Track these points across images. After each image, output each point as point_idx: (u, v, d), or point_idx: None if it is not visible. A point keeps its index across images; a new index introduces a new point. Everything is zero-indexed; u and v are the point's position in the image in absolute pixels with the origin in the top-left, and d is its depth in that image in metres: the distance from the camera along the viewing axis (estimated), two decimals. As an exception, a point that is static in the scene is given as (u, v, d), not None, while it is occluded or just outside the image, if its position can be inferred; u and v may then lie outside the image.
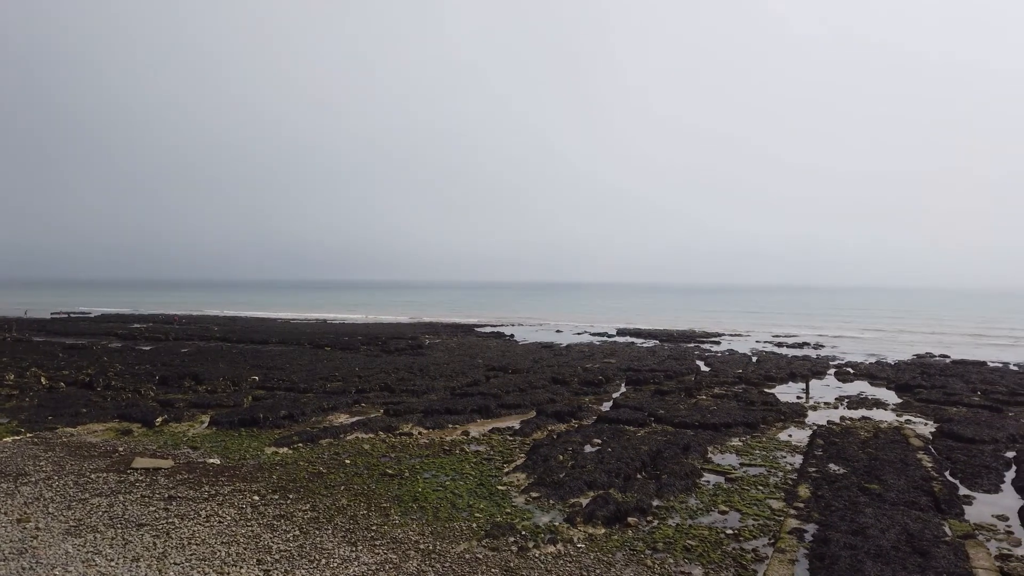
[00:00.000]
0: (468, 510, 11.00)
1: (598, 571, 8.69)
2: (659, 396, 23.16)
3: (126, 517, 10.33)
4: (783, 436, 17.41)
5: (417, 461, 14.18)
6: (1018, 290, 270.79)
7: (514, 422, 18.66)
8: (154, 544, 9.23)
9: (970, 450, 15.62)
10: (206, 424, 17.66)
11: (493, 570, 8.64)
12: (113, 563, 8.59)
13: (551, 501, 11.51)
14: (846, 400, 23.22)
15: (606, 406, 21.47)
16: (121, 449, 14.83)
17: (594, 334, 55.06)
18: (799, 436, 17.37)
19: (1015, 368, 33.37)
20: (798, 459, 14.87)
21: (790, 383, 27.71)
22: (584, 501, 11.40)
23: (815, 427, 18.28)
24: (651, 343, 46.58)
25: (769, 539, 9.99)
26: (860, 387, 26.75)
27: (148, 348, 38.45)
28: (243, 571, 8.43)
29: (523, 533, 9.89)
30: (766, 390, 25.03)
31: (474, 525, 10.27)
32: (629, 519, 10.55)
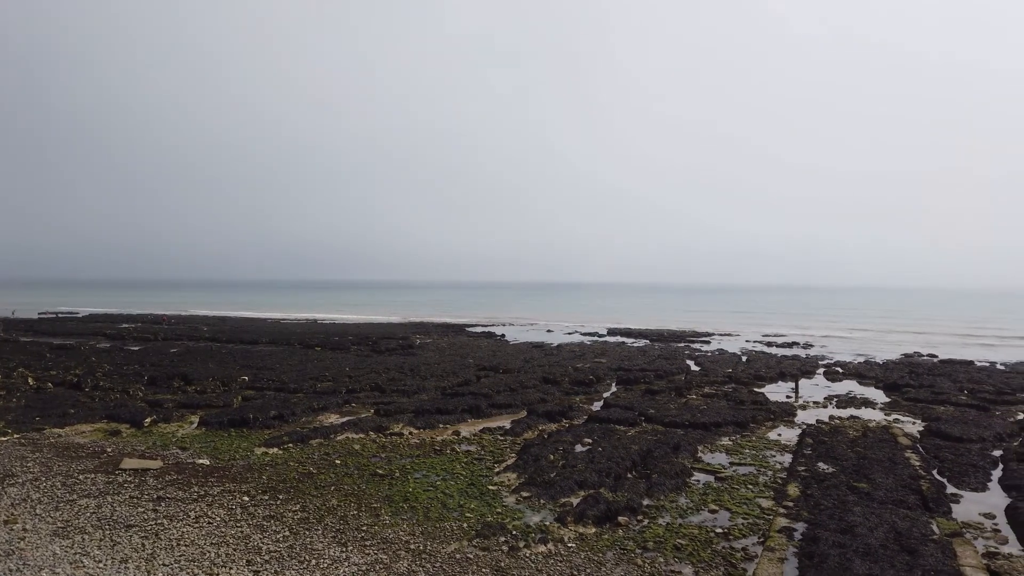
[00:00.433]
0: (459, 510, 10.99)
1: (589, 570, 8.70)
2: (649, 396, 23.22)
3: (114, 518, 10.27)
4: (772, 435, 17.49)
5: (408, 461, 14.16)
6: (1016, 290, 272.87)
7: (505, 422, 18.66)
8: (143, 545, 9.18)
9: (957, 449, 15.74)
10: (195, 425, 17.57)
11: (484, 570, 8.64)
12: (101, 564, 8.53)
13: (542, 501, 11.51)
14: (835, 399, 23.34)
15: (597, 406, 21.50)
16: (109, 450, 14.73)
17: (585, 334, 55.13)
18: (788, 435, 17.45)
19: (1002, 367, 33.66)
20: (787, 458, 14.94)
21: (779, 382, 27.83)
22: (575, 501, 11.42)
23: (804, 426, 18.36)
24: (642, 343, 46.69)
25: (759, 538, 10.04)
26: (849, 386, 26.89)
27: (137, 348, 38.22)
28: (232, 572, 8.40)
29: (514, 533, 9.90)
30: (756, 389, 25.12)
31: (465, 525, 10.26)
32: (619, 518, 10.57)
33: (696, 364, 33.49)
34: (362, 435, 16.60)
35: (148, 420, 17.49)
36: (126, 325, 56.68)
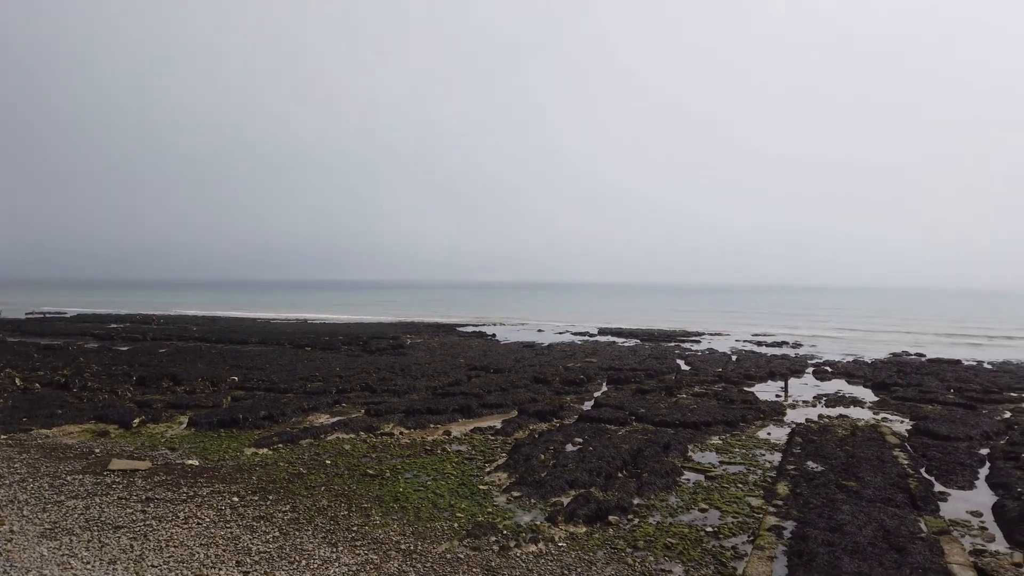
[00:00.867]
0: (449, 510, 10.98)
1: (579, 570, 8.72)
2: (640, 395, 23.27)
3: (102, 519, 10.21)
4: (762, 434, 17.56)
5: (398, 461, 14.14)
6: (1011, 291, 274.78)
7: (496, 422, 18.67)
8: (131, 546, 9.13)
9: (945, 447, 15.86)
10: (184, 425, 17.48)
11: (474, 570, 8.64)
12: (89, 566, 8.48)
13: (532, 500, 11.52)
14: (824, 398, 23.45)
15: (587, 405, 21.53)
16: (97, 451, 14.64)
17: (576, 333, 55.20)
18: (778, 434, 17.53)
19: (989, 366, 33.93)
20: (777, 457, 15.01)
21: (769, 382, 27.95)
22: (565, 500, 11.43)
23: (794, 425, 18.45)
24: (632, 342, 46.77)
25: (748, 536, 10.08)
26: (838, 385, 27.03)
27: (125, 348, 37.98)
28: (222, 573, 8.36)
29: (505, 532, 9.90)
30: (745, 389, 25.23)
31: (455, 525, 10.26)
32: (610, 518, 10.59)
33: (686, 363, 33.60)
34: (352, 435, 16.57)
35: (137, 421, 17.39)
36: (115, 325, 56.31)
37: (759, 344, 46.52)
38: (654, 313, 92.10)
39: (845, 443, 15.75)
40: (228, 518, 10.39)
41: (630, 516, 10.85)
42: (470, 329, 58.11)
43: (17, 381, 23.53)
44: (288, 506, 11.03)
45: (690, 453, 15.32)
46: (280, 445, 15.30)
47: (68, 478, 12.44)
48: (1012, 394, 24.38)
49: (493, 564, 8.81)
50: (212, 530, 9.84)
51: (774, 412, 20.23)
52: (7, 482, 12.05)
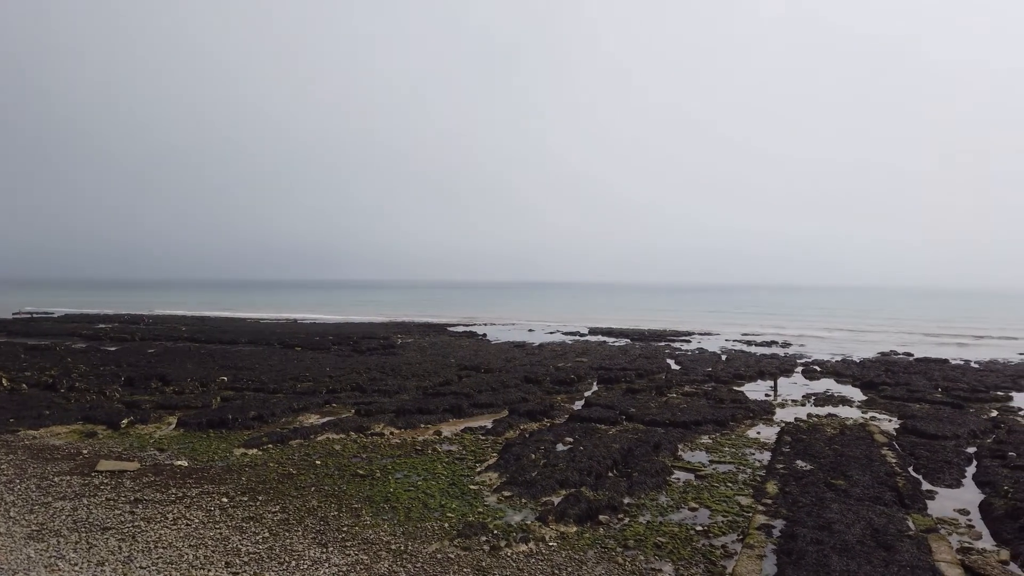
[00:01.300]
0: (440, 510, 10.97)
1: (570, 569, 8.73)
2: (630, 394, 23.32)
3: (90, 521, 10.14)
4: (752, 433, 17.64)
5: (389, 461, 14.11)
6: (1005, 290, 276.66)
7: (486, 421, 18.66)
8: (119, 548, 9.07)
9: (932, 446, 15.98)
10: (173, 426, 17.39)
11: (465, 570, 8.64)
12: (77, 567, 8.43)
13: (523, 500, 11.53)
14: (813, 397, 23.57)
15: (578, 405, 21.56)
16: (85, 452, 14.54)
17: (566, 333, 55.24)
18: (767, 433, 17.62)
19: (976, 366, 34.20)
20: (766, 456, 15.08)
21: (759, 381, 28.07)
22: (556, 500, 11.45)
23: (783, 424, 18.54)
24: (623, 342, 46.85)
25: (738, 535, 10.12)
26: (827, 385, 27.18)
27: (114, 349, 37.73)
28: (211, 574, 8.33)
29: (495, 532, 9.90)
30: (735, 388, 25.33)
31: (446, 525, 10.25)
32: (600, 517, 10.61)
33: (676, 363, 33.69)
34: (343, 435, 16.52)
35: (125, 421, 17.28)
36: (103, 325, 55.92)
37: (749, 344, 46.71)
38: (645, 313, 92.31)
39: (834, 442, 15.84)
40: (217, 519, 10.34)
41: (620, 515, 10.88)
42: (461, 329, 58.06)
43: (4, 382, 23.34)
44: (278, 507, 10.99)
45: (680, 452, 15.36)
46: (270, 445, 15.24)
47: (56, 479, 12.35)
48: (999, 393, 24.59)
49: (484, 564, 8.81)
50: (201, 531, 9.80)
51: (763, 411, 20.31)
52: (-7, 483, 11.96)
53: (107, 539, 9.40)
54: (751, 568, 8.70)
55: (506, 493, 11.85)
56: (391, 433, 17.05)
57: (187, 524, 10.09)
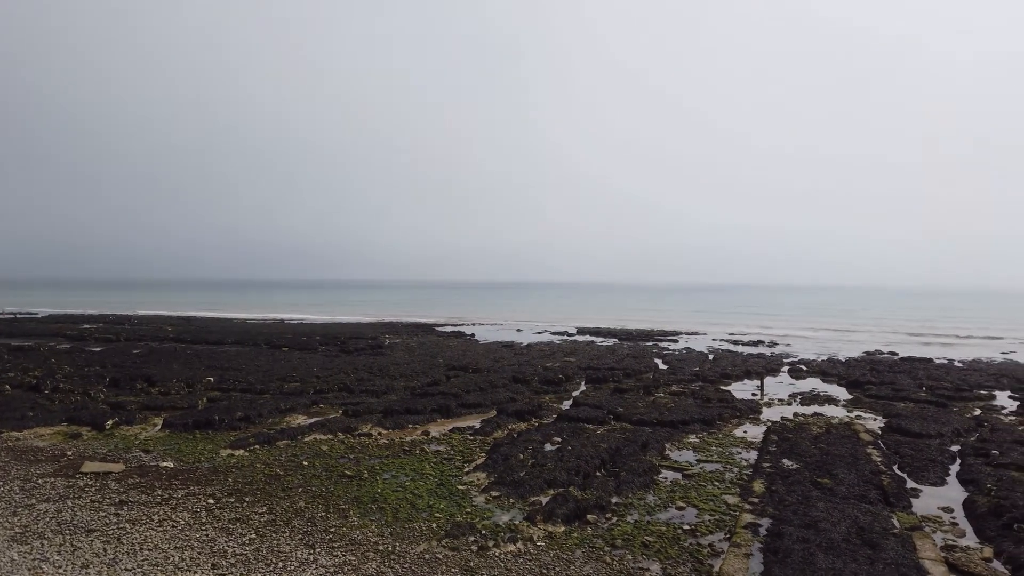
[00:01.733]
0: (428, 510, 10.96)
1: (558, 569, 8.74)
2: (618, 394, 23.38)
3: (75, 523, 10.06)
4: (739, 432, 17.73)
5: (376, 462, 14.08)
6: (1001, 290, 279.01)
7: (474, 421, 18.66)
8: (104, 550, 9.00)
9: (917, 444, 16.12)
10: (159, 427, 17.26)
11: (453, 570, 8.63)
12: (61, 570, 8.35)
13: (511, 500, 11.54)
14: (799, 397, 23.72)
15: (566, 404, 21.59)
16: (70, 453, 14.42)
17: (554, 333, 55.29)
18: (754, 432, 17.71)
19: (960, 365, 34.54)
20: (753, 455, 15.16)
21: (745, 380, 28.21)
22: (544, 499, 11.46)
23: (769, 423, 18.64)
24: (611, 342, 46.95)
25: (725, 534, 10.18)
26: (813, 384, 27.35)
27: (99, 349, 37.41)
28: (197, 576, 8.28)
29: (483, 532, 9.90)
30: (722, 387, 25.44)
31: (434, 525, 10.24)
32: (588, 516, 10.64)
33: (664, 363, 33.81)
34: (330, 436, 16.47)
35: (110, 422, 17.14)
36: (87, 326, 55.41)
37: (735, 343, 46.94)
38: (633, 312, 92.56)
39: (820, 441, 15.95)
40: (203, 520, 10.28)
41: (608, 515, 10.90)
42: (449, 329, 57.97)
43: (-14, 383, 23.09)
44: (265, 508, 10.94)
45: (668, 452, 15.42)
46: (257, 446, 15.16)
47: (39, 481, 12.24)
48: (982, 392, 24.86)
49: (472, 564, 8.80)
50: (187, 533, 9.74)
51: (750, 410, 20.43)
52: (-24, 486, 11.83)
53: (92, 541, 9.32)
54: (738, 567, 8.75)
55: (494, 493, 11.85)
56: (379, 433, 17.01)
57: (173, 526, 10.02)
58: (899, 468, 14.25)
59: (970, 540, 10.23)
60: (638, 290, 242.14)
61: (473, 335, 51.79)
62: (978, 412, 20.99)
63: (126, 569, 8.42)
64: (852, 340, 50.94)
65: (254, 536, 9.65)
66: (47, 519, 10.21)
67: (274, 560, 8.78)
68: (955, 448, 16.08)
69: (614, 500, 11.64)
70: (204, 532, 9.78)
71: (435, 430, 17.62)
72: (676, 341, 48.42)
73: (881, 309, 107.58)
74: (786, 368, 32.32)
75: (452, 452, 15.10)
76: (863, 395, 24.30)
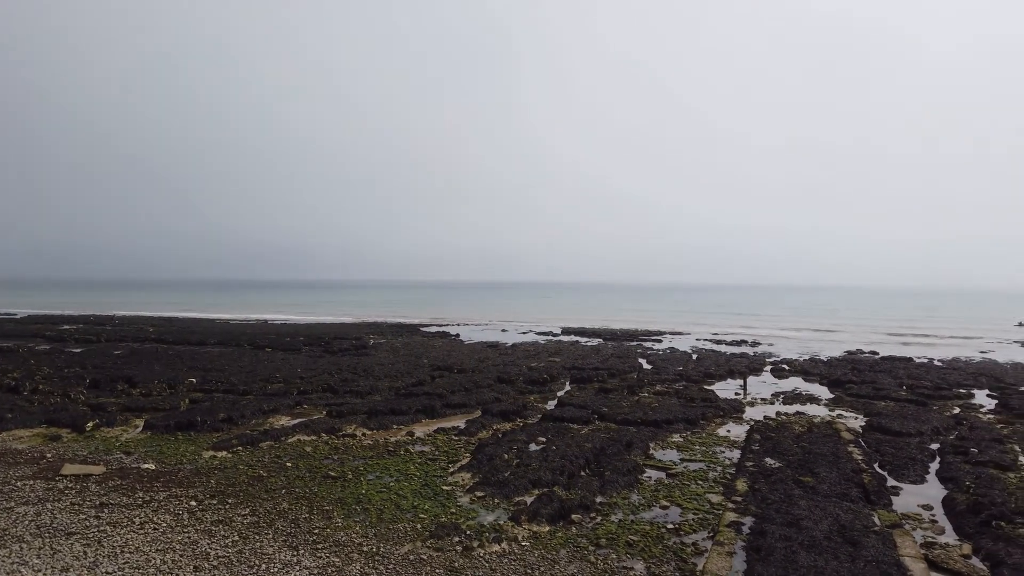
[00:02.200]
0: (413, 511, 10.94)
1: (542, 569, 8.76)
2: (603, 394, 23.45)
3: (54, 526, 9.94)
4: (722, 432, 17.84)
5: (361, 463, 14.03)
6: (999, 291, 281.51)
7: (459, 422, 18.64)
8: (84, 553, 8.90)
9: (897, 443, 16.30)
10: (140, 428, 17.11)
11: (438, 571, 8.62)
12: (40, 574, 8.25)
13: (496, 500, 11.54)
14: (782, 396, 23.92)
15: (551, 404, 21.63)
16: (49, 455, 14.25)
17: (539, 333, 55.35)
18: (737, 431, 17.83)
19: (939, 364, 34.96)
20: (736, 454, 15.27)
21: (729, 380, 28.39)
22: (529, 499, 11.48)
23: (752, 422, 18.78)
24: (595, 342, 47.07)
25: (708, 533, 10.24)
26: (795, 383, 27.58)
27: (79, 350, 36.97)
28: (179, 579, 8.21)
29: (468, 533, 9.90)
30: (706, 387, 25.60)
31: (419, 526, 10.22)
32: (573, 516, 10.66)
33: (648, 362, 33.96)
34: (314, 437, 16.39)
35: (90, 424, 16.95)
36: (67, 326, 54.75)
37: (719, 343, 47.22)
38: (616, 313, 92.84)
39: (802, 439, 16.08)
40: (186, 523, 10.20)
41: (593, 514, 10.94)
42: (434, 329, 57.88)
43: (-37, 384, 22.77)
44: (248, 509, 10.87)
45: (652, 451, 15.49)
46: (239, 448, 15.07)
47: (18, 484, 12.08)
48: (961, 391, 25.19)
49: (456, 565, 8.80)
50: (169, 535, 9.65)
51: (733, 410, 20.57)
52: (-47, 489, 11.66)
53: (72, 544, 9.22)
54: (721, 565, 8.80)
55: (479, 493, 11.85)
56: (363, 434, 16.95)
57: (154, 528, 9.93)
58: (880, 466, 14.40)
59: (949, 537, 10.37)
60: (630, 290, 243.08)
61: (458, 335, 51.74)
62: (957, 411, 21.26)
63: (107, 572, 8.33)
64: (834, 340, 51.40)
65: (237, 538, 9.59)
66: (26, 522, 10.08)
67: (257, 562, 8.73)
68: (935, 446, 16.29)
69: (598, 500, 11.68)
70: (186, 534, 9.70)
71: (420, 430, 17.58)
72: (660, 341, 48.64)
73: (866, 309, 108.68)
74: (769, 367, 32.57)
75: (437, 453, 15.08)
76: (844, 394, 24.54)
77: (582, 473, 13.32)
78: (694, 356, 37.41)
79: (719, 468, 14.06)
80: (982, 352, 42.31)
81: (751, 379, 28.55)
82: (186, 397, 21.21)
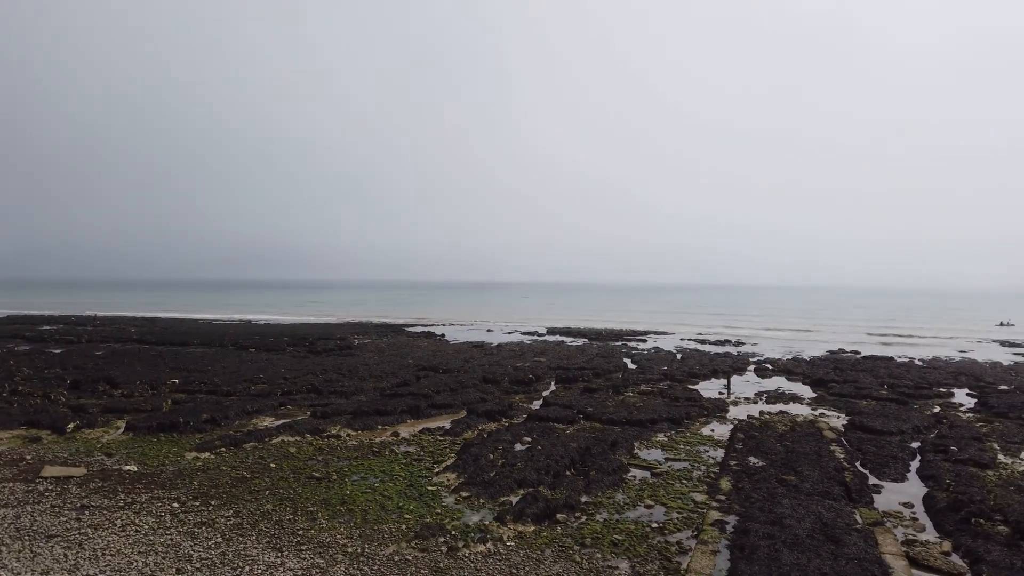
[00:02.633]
0: (397, 512, 10.91)
1: (527, 568, 8.77)
2: (588, 394, 23.50)
3: (35, 528, 9.82)
4: (706, 431, 17.93)
5: (345, 463, 13.97)
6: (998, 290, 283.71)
7: (445, 422, 18.61)
8: (65, 556, 8.81)
9: (879, 441, 16.47)
10: (122, 430, 16.94)
11: (422, 571, 8.61)
12: (20, 578, 8.16)
13: (481, 500, 11.54)
14: (765, 395, 24.09)
15: (536, 404, 21.64)
16: (29, 457, 14.08)
17: (525, 333, 55.39)
18: (721, 431, 17.93)
19: (920, 363, 35.33)
20: (720, 453, 15.35)
21: (712, 379, 28.54)
22: (514, 499, 11.48)
23: (736, 422, 18.90)
24: (580, 342, 47.16)
25: (692, 531, 10.29)
26: (778, 382, 27.78)
27: (59, 351, 36.53)
28: (162, 581, 8.14)
29: (453, 533, 9.89)
30: (690, 386, 25.72)
31: (404, 527, 10.20)
32: (558, 516, 10.68)
33: (633, 362, 34.07)
34: (298, 438, 16.30)
35: (71, 426, 16.77)
36: (47, 327, 54.10)
37: (703, 343, 47.47)
38: (602, 313, 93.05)
39: (785, 438, 16.21)
40: (168, 525, 10.12)
41: (578, 514, 10.96)
42: (419, 329, 57.77)
43: (-59, 386, 22.45)
44: (231, 511, 10.80)
45: (636, 450, 15.55)
46: (223, 449, 14.96)
47: (-3, 487, 11.94)
48: (941, 390, 25.48)
49: (441, 565, 8.79)
50: (151, 537, 9.57)
51: (717, 409, 20.69)
52: (-70, 492, 11.50)
53: (52, 547, 9.12)
54: (705, 564, 8.85)
55: (464, 494, 11.84)
56: (348, 435, 16.88)
57: (136, 530, 9.84)
58: (861, 465, 14.53)
59: (930, 534, 10.49)
60: (615, 290, 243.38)
61: (443, 335, 51.66)
62: (937, 409, 21.51)
63: (88, 575, 8.25)
64: (816, 340, 51.84)
65: (220, 540, 9.52)
66: (5, 525, 9.96)
67: (241, 564, 8.67)
68: (915, 445, 16.47)
69: (583, 499, 11.71)
70: (169, 536, 9.62)
71: (405, 431, 17.54)
72: (645, 341, 48.81)
73: (849, 309, 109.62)
74: (752, 367, 32.78)
75: (422, 453, 15.05)
76: (827, 393, 24.75)
77: (567, 473, 13.34)
78: (678, 356, 37.57)
79: (703, 467, 14.14)
80: (962, 352, 42.84)
81: (735, 378, 28.72)
82: (168, 398, 21.02)
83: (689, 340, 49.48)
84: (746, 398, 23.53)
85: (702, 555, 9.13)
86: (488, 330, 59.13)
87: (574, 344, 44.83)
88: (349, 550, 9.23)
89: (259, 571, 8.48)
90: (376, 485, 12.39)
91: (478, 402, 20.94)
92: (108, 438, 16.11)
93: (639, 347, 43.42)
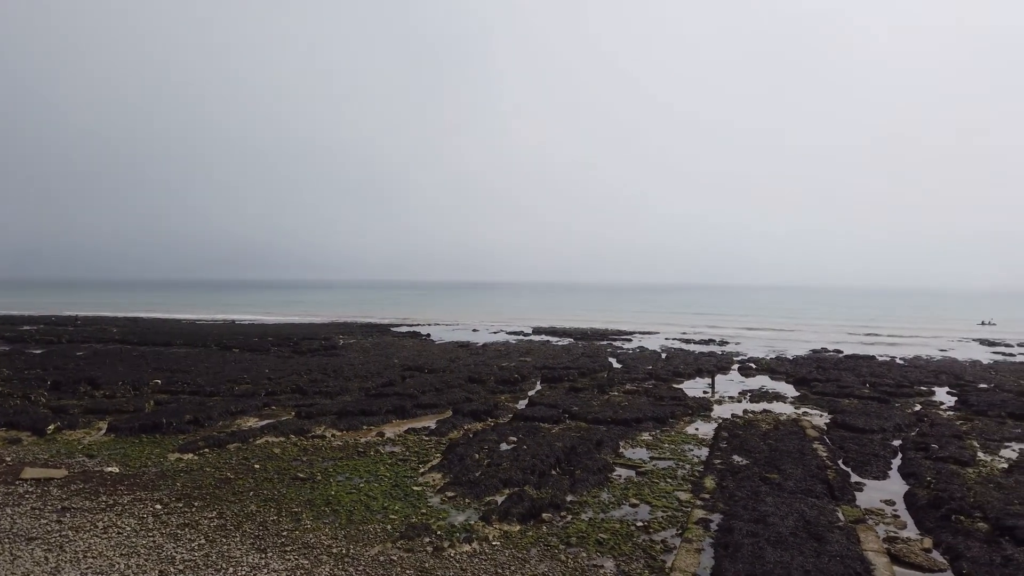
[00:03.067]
0: (383, 512, 10.89)
1: (513, 568, 8.78)
2: (573, 393, 23.55)
3: (14, 531, 9.71)
4: (690, 430, 18.04)
5: (330, 464, 13.92)
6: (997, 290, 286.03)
7: (430, 422, 18.59)
8: (46, 559, 8.71)
9: (861, 439, 16.64)
10: (104, 431, 16.77)
11: (408, 571, 8.59)
12: (-1, 581, 8.07)
13: (467, 500, 11.54)
14: (749, 394, 24.25)
15: (522, 404, 21.66)
16: (8, 459, 13.90)
17: (510, 333, 55.39)
18: (705, 429, 18.04)
19: (901, 362, 35.73)
20: (704, 452, 15.45)
21: (697, 378, 28.71)
22: (500, 499, 11.49)
23: (720, 420, 19.01)
24: (566, 341, 47.25)
25: (677, 530, 10.34)
26: (762, 381, 27.98)
27: (39, 351, 36.10)
28: (144, 583, 8.08)
29: (439, 533, 9.88)
30: (675, 386, 25.85)
31: (389, 527, 10.18)
32: (543, 515, 10.70)
33: (618, 362, 34.17)
34: (282, 438, 16.22)
35: (51, 427, 16.58)
36: (27, 327, 53.44)
37: (687, 342, 47.70)
38: (587, 312, 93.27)
39: (768, 437, 16.33)
40: (151, 526, 10.03)
41: (563, 513, 10.99)
42: (404, 329, 57.62)
43: (-82, 387, 22.11)
44: (215, 512, 10.73)
45: (622, 450, 15.60)
46: (206, 450, 14.85)
47: (-25, 489, 11.78)
48: (922, 388, 25.79)
49: (427, 565, 8.78)
50: (133, 539, 9.49)
51: (702, 408, 20.81)
52: (-93, 495, 11.33)
53: (32, 550, 9.01)
54: (690, 562, 8.90)
55: (450, 493, 11.84)
56: (332, 435, 16.82)
57: (118, 532, 9.75)
58: (844, 463, 14.67)
59: (911, 532, 10.61)
60: (609, 291, 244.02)
61: (429, 335, 51.55)
62: (918, 408, 21.75)
63: (69, 578, 8.17)
64: (800, 339, 52.25)
65: (203, 541, 9.46)
66: (-16, 528, 9.84)
67: (224, 566, 8.62)
68: (897, 443, 16.65)
69: (569, 498, 11.73)
70: (151, 538, 9.54)
71: (390, 431, 17.49)
72: (630, 340, 48.97)
73: (836, 308, 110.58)
74: (736, 366, 32.99)
75: (407, 453, 15.02)
76: (810, 392, 24.97)
77: (553, 472, 13.37)
78: (663, 355, 37.74)
79: (688, 466, 14.21)
80: (943, 351, 43.35)
81: (719, 377, 28.90)
82: (151, 399, 20.83)
83: (674, 340, 49.70)
84: (730, 397, 23.69)
85: (687, 553, 9.18)
86: (474, 330, 59.09)
87: (560, 344, 44.90)
88: (334, 551, 9.20)
89: (243, 573, 8.43)
90: (361, 485, 12.35)
91: (464, 402, 20.94)
92: (89, 439, 15.94)
93: (624, 347, 43.57)
